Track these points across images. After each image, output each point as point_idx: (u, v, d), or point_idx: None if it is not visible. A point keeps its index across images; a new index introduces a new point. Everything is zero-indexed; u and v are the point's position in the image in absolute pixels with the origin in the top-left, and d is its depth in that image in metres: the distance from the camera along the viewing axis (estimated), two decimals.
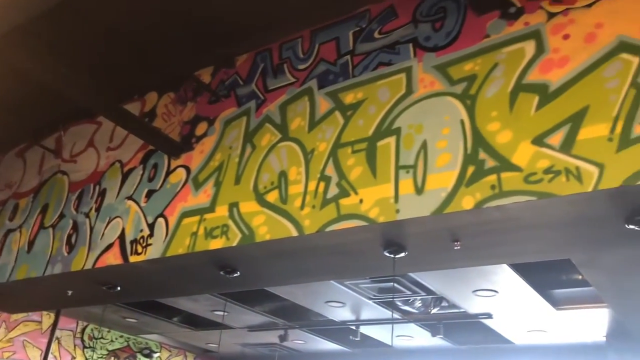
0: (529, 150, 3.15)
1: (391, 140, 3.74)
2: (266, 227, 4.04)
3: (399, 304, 5.98)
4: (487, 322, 6.09)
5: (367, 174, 3.73)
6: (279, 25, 4.79)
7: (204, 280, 5.03)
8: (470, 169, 3.31)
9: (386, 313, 6.16)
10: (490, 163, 3.26)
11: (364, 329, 6.95)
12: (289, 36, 4.82)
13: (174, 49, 5.00)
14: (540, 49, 3.40)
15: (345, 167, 3.86)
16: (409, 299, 5.83)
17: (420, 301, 5.89)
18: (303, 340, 7.96)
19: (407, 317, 6.32)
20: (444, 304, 6.03)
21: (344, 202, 3.74)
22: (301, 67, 4.58)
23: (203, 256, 4.45)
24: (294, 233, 3.87)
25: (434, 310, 6.13)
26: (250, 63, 5.00)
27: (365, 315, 6.48)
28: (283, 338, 7.25)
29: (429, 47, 3.89)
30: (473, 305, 5.66)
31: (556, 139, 3.09)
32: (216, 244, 4.27)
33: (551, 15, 3.45)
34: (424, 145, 3.57)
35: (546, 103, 3.22)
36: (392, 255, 3.96)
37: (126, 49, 5.02)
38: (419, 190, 3.45)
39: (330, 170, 3.92)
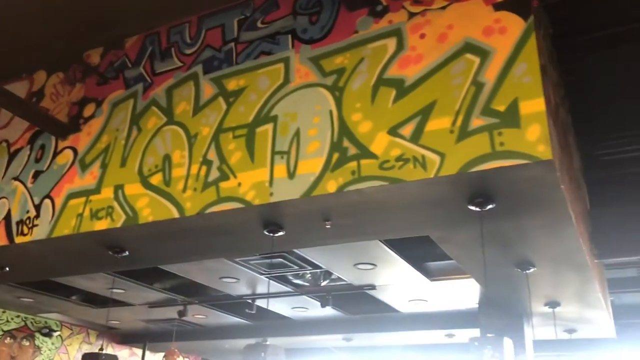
0: (385, 139, 3.48)
1: (269, 127, 3.97)
2: (149, 208, 4.19)
3: (290, 277, 6.30)
4: (372, 292, 6.55)
5: (245, 158, 3.95)
6: (168, 9, 4.86)
7: (93, 260, 5.10)
8: (335, 156, 3.61)
9: (278, 287, 6.49)
10: (352, 151, 3.57)
11: (260, 302, 7.26)
12: (177, 20, 4.90)
13: (62, 27, 4.94)
14: (400, 46, 3.72)
15: (226, 152, 4.06)
16: (299, 273, 6.16)
17: (309, 275, 6.25)
18: (204, 315, 8.16)
19: (299, 290, 6.68)
20: (334, 276, 6.41)
21: (223, 185, 3.96)
22: (188, 52, 4.70)
23: (89, 237, 4.53)
24: (176, 215, 4.05)
25: (324, 283, 6.51)
26: (139, 45, 5.05)
27: (260, 289, 6.77)
28: (182, 313, 7.42)
29: (305, 39, 4.13)
30: (356, 277, 6.08)
31: (407, 130, 3.44)
32: (101, 225, 4.37)
33: (411, 15, 3.78)
34: (297, 133, 3.83)
35: (402, 97, 3.55)
36: (271, 234, 4.22)
37: (10, 26, 4.91)
38: (291, 174, 3.72)
39: (212, 155, 4.11)
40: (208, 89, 4.40)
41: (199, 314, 8.13)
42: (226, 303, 7.48)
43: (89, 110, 5.00)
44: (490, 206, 3.56)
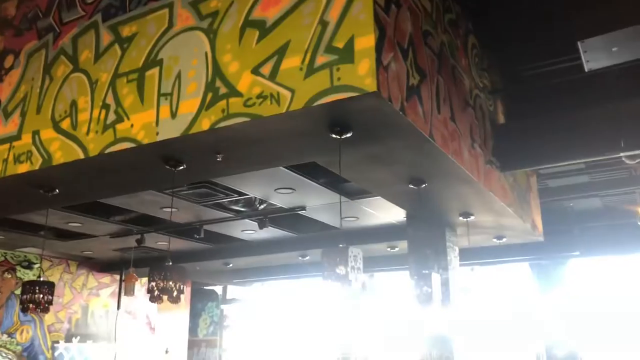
0: (249, 78, 3.85)
1: (155, 71, 4.33)
2: (61, 151, 4.63)
3: (226, 204, 6.83)
4: (305, 213, 7.10)
5: (137, 101, 4.34)
6: None
7: (28, 199, 5.59)
8: (209, 96, 3.99)
9: (218, 213, 7.05)
10: (223, 90, 3.94)
11: (209, 227, 7.85)
12: None
13: None
14: None
15: (121, 96, 4.44)
16: (234, 200, 6.68)
17: (243, 201, 6.76)
18: (165, 242, 8.79)
19: (239, 215, 7.24)
20: (271, 201, 6.92)
21: (119, 127, 4.37)
22: (89, 0, 4.97)
23: (17, 179, 5.00)
24: (82, 155, 4.49)
25: (261, 207, 7.04)
26: None
27: (204, 216, 7.34)
28: (140, 241, 8.03)
29: None
30: (282, 201, 6.61)
31: (267, 68, 3.79)
32: (23, 168, 4.83)
33: None
34: (179, 75, 4.19)
35: (263, 37, 3.88)
36: (172, 169, 4.67)
37: None
38: (174, 115, 4.12)
39: (110, 99, 4.49)
40: (106, 37, 4.71)
41: (160, 242, 8.75)
42: (180, 230, 8.06)
43: (8, 61, 5.34)
44: (348, 134, 3.97)
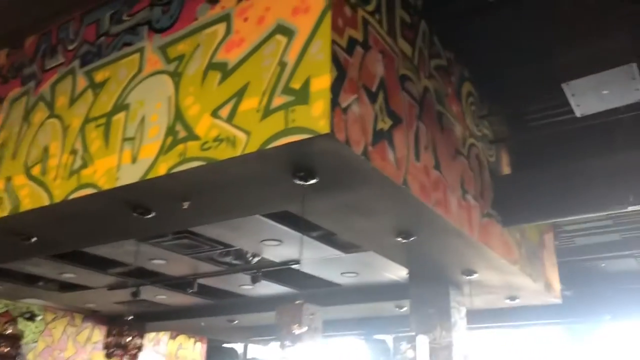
0: (208, 121, 3.67)
1: (122, 116, 4.21)
2: (29, 198, 4.51)
3: (216, 256, 6.58)
4: (301, 268, 6.79)
5: (102, 146, 4.21)
6: (59, 7, 5.13)
7: (8, 247, 5.47)
8: (169, 139, 3.82)
9: (210, 266, 6.80)
10: (182, 134, 3.77)
11: (206, 282, 7.59)
12: (65, 18, 5.16)
13: None
14: (228, 31, 3.88)
15: (89, 141, 4.32)
16: (224, 252, 6.43)
17: (234, 253, 6.51)
18: (164, 296, 8.55)
19: (231, 269, 6.97)
20: (264, 255, 6.65)
21: (84, 172, 4.23)
22: (70, 47, 4.96)
23: None
24: (47, 202, 4.35)
25: (254, 261, 6.76)
26: (35, 44, 5.34)
27: (199, 269, 7.10)
28: (135, 294, 7.80)
29: (157, 28, 4.33)
30: (270, 253, 6.33)
31: (225, 111, 3.61)
32: None
33: (239, 0, 3.92)
34: (143, 119, 4.06)
35: (225, 79, 3.72)
36: (142, 217, 4.48)
37: None
38: (134, 159, 3.96)
39: (78, 144, 4.38)
40: (81, 82, 4.66)
41: (159, 295, 8.51)
42: (177, 283, 7.82)
43: None
44: (313, 180, 3.72)
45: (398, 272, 7.02)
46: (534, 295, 7.16)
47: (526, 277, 6.27)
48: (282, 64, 3.48)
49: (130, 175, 3.93)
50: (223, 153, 3.51)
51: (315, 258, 6.41)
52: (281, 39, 3.56)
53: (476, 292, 6.98)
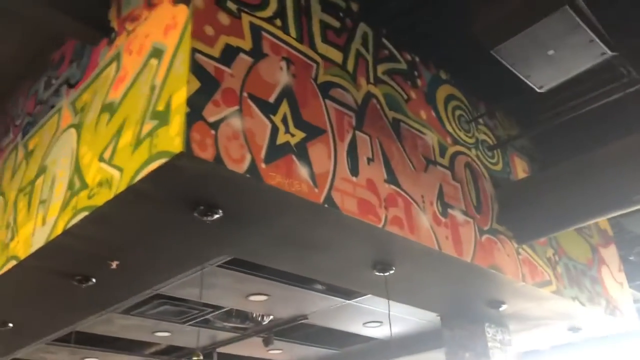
0: (96, 167, 3.32)
1: (41, 179, 3.97)
2: None
3: (223, 322, 6.08)
4: (319, 323, 6.15)
5: (25, 213, 3.97)
6: (16, 85, 5.15)
7: None
8: (68, 194, 3.50)
9: (210, 331, 6.32)
10: (77, 185, 3.44)
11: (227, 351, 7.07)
12: (18, 94, 5.16)
13: None
14: (117, 69, 3.57)
15: (18, 211, 4.11)
16: (226, 315, 5.93)
17: (240, 316, 5.98)
18: None
19: (241, 332, 6.43)
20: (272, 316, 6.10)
21: (12, 244, 3.99)
22: (17, 122, 4.90)
23: None
24: None
25: (266, 321, 6.19)
26: None
27: (214, 339, 6.63)
28: None
29: (71, 84, 4.13)
30: (282, 312, 5.78)
31: (108, 152, 3.25)
32: None
33: (128, 34, 3.63)
34: (54, 178, 3.79)
35: (111, 119, 3.39)
36: (82, 285, 4.14)
37: None
38: (44, 221, 3.66)
39: (10, 216, 4.19)
40: (20, 154, 4.53)
41: None
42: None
43: None
44: (216, 215, 3.21)
45: (428, 316, 6.14)
46: (597, 323, 5.96)
47: (570, 301, 5.21)
48: (153, 88, 3.08)
49: (39, 239, 3.62)
50: (102, 197, 3.12)
51: (321, 310, 5.74)
52: (154, 62, 3.19)
53: (524, 327, 5.95)
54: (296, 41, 3.61)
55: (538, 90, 3.33)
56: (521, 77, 3.19)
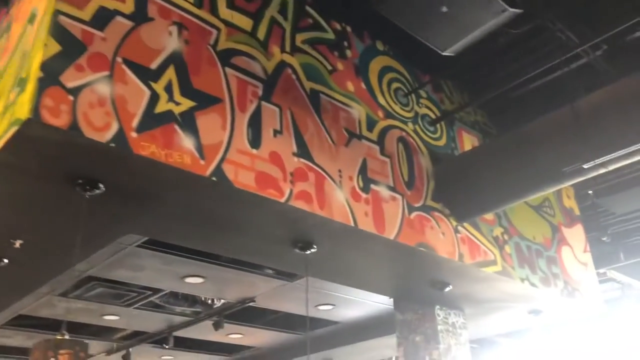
0: None
1: None
2: None
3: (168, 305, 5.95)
4: (266, 305, 6.00)
5: None
6: None
7: None
8: None
9: (165, 316, 6.19)
10: None
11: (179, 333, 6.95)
12: None
13: None
14: (7, 38, 3.42)
15: None
16: (173, 298, 5.80)
17: (183, 299, 5.84)
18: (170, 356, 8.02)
19: (197, 317, 6.30)
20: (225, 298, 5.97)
21: None
22: None
23: None
24: None
25: (217, 305, 6.06)
26: None
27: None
28: (126, 358, 7.33)
29: None
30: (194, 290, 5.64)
31: None
32: None
33: (19, 2, 3.47)
34: None
35: None
36: None
37: None
38: None
39: None
40: None
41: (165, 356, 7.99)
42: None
43: None
44: (97, 190, 3.04)
45: (383, 299, 5.96)
46: (557, 305, 5.73)
47: (520, 282, 4.98)
48: (24, 55, 2.92)
49: None
50: None
51: (267, 292, 5.58)
52: (29, 28, 3.02)
53: (479, 311, 5.75)
54: (193, 6, 3.41)
55: (442, 53, 3.10)
56: (420, 39, 2.96)
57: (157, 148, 2.88)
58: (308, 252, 4.03)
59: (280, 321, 6.97)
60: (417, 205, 4.32)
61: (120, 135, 2.77)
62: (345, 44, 4.41)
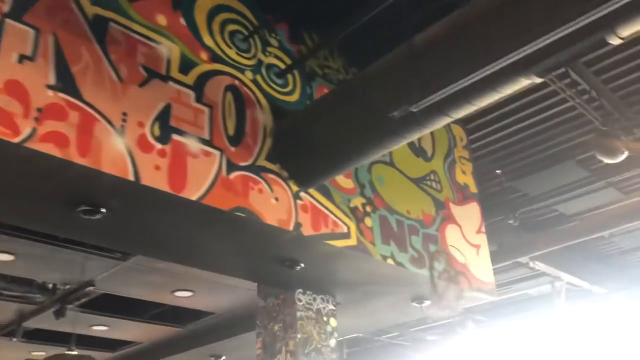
0: None
1: None
2: None
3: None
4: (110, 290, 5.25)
5: None
6: None
7: None
8: None
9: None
10: None
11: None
12: None
13: None
14: None
15: None
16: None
17: (13, 282, 5.04)
18: None
19: (42, 305, 5.51)
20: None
21: None
22: None
23: None
24: None
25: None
26: None
27: None
28: None
29: None
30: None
31: None
32: None
33: None
34: None
35: None
36: None
37: None
38: None
39: None
40: None
41: None
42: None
43: None
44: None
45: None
46: (437, 290, 5.10)
47: (381, 260, 4.34)
48: None
49: None
50: None
51: (107, 275, 4.83)
52: None
53: (355, 297, 5.11)
54: None
55: None
56: None
57: None
58: (95, 217, 3.30)
59: (159, 314, 6.25)
60: (242, 164, 3.62)
61: None
62: None
